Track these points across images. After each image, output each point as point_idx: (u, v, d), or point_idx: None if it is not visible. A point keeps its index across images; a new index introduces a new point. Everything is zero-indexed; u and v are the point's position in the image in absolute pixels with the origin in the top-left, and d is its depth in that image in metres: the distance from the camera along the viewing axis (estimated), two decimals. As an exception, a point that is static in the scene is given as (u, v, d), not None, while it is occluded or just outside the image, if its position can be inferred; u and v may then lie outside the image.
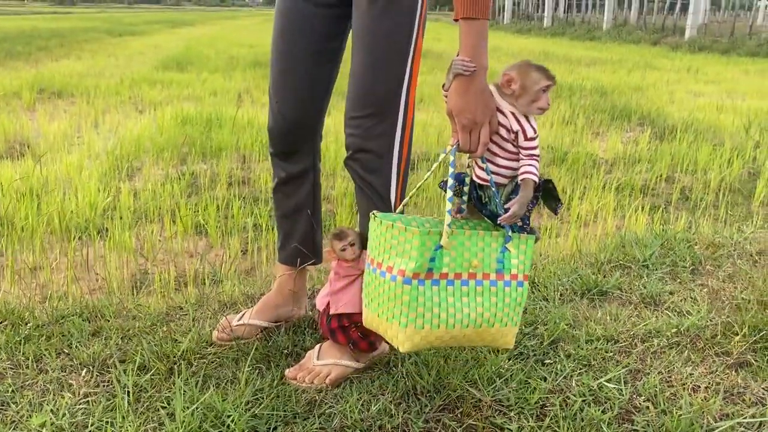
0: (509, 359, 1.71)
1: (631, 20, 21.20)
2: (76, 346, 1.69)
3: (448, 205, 1.39)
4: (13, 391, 1.50)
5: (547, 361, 1.71)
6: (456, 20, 1.37)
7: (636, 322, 1.94)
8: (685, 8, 18.19)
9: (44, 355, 1.65)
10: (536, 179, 1.41)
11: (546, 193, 1.47)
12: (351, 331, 1.60)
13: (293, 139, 1.74)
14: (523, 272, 1.45)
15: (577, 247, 2.54)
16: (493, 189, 1.42)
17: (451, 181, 1.44)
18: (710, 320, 1.95)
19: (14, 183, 3.20)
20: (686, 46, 15.05)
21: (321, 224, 1.91)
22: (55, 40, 13.69)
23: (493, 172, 1.43)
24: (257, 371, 1.61)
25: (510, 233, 1.43)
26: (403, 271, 1.36)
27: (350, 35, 1.65)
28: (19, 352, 1.66)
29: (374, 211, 1.46)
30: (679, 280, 2.27)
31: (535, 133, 1.42)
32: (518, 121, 1.42)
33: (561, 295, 2.11)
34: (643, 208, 3.14)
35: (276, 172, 1.81)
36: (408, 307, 1.36)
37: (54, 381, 1.54)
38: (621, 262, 2.39)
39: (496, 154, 1.44)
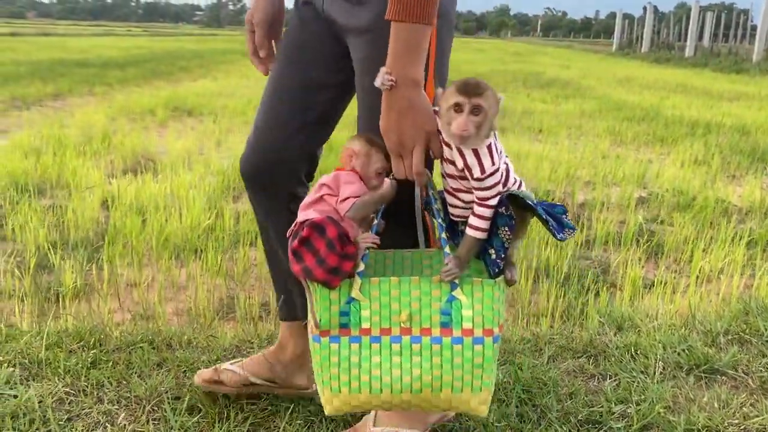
0: (589, 442, 1.50)
1: (787, 51, 19.52)
2: (137, 377, 1.68)
3: (362, 245, 1.20)
4: (67, 419, 1.51)
5: (634, 452, 1.48)
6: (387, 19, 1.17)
7: (749, 413, 1.65)
8: None
9: (105, 383, 1.65)
10: (480, 236, 1.19)
11: (523, 208, 1.19)
12: (320, 245, 1.18)
13: (268, 176, 1.47)
14: (483, 326, 1.18)
15: (692, 312, 2.25)
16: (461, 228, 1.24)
17: (376, 222, 1.25)
18: None
19: (126, 197, 3.35)
20: None
21: None
22: (196, 61, 14.66)
23: (460, 207, 1.23)
24: (309, 425, 1.52)
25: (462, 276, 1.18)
26: (312, 328, 1.21)
27: None
28: (84, 377, 1.67)
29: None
30: (811, 364, 1.93)
31: (483, 172, 1.16)
32: (462, 155, 1.17)
33: (663, 368, 1.85)
34: (778, 267, 2.76)
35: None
36: (321, 368, 1.21)
37: (106, 413, 1.53)
38: (741, 334, 2.07)
39: (459, 190, 1.22)
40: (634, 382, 1.76)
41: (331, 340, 1.19)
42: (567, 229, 1.19)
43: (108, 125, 5.76)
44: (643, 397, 1.67)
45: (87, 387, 1.63)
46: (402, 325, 1.18)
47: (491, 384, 1.22)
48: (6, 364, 1.69)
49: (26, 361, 1.72)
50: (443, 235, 1.22)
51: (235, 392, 1.59)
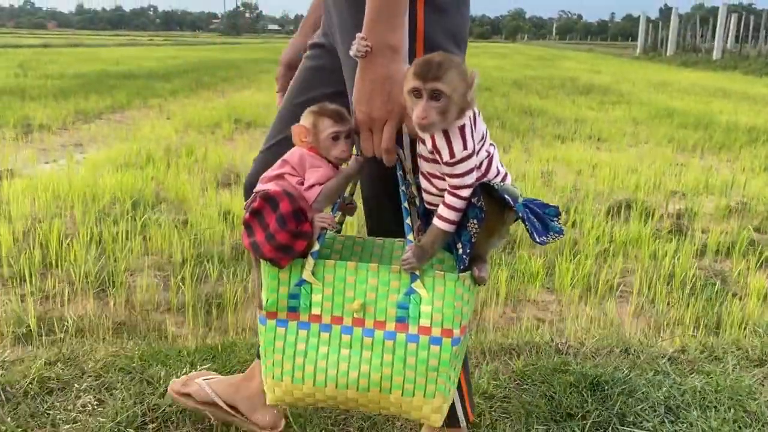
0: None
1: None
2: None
3: (318, 224, 1.11)
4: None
5: None
6: None
7: None
8: None
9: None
10: (447, 228, 1.07)
11: (501, 203, 1.08)
12: (270, 220, 1.10)
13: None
14: (441, 325, 1.07)
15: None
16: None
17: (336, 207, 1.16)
18: None
19: (240, 210, 3.47)
20: None
21: None
22: (233, 71, 14.84)
23: (434, 194, 1.12)
24: None
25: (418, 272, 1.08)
26: (260, 308, 1.13)
27: None
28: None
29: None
30: None
31: (452, 156, 1.04)
32: (432, 136, 1.06)
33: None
34: None
35: None
36: (265, 353, 1.12)
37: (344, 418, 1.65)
38: None
39: (433, 175, 1.11)
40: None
41: (277, 324, 1.11)
42: (552, 233, 1.10)
43: (181, 139, 5.90)
44: None
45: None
46: (355, 314, 1.09)
47: (447, 391, 1.10)
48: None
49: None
50: (407, 221, 1.13)
51: (199, 409, 1.56)
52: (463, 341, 1.12)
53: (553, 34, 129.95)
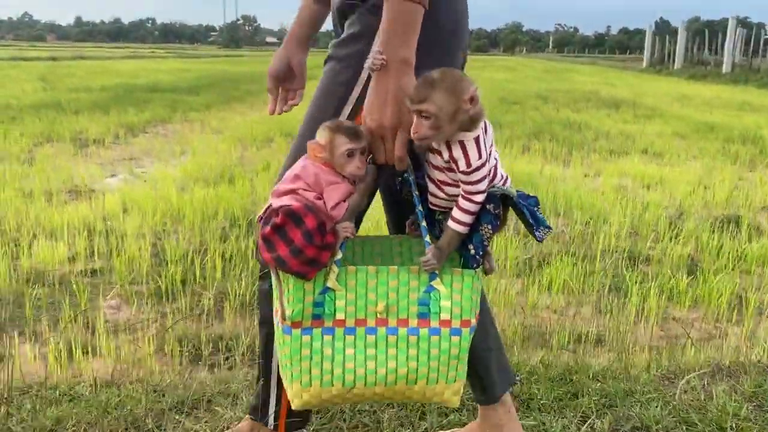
0: None
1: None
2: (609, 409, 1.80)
3: (342, 234, 1.15)
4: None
5: None
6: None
7: None
8: None
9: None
10: (462, 230, 1.15)
11: (514, 210, 1.18)
12: (294, 235, 1.12)
13: None
14: (461, 317, 1.15)
15: None
16: (440, 218, 1.21)
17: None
18: None
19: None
20: None
21: None
22: (255, 85, 14.82)
23: (443, 199, 1.19)
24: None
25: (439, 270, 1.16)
26: (281, 319, 1.17)
27: None
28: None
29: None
30: None
31: (469, 166, 1.12)
32: (449, 147, 1.13)
33: None
34: None
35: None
36: (290, 361, 1.15)
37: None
38: None
39: (444, 182, 1.18)
40: None
41: (303, 332, 1.15)
42: (542, 227, 1.18)
43: (241, 153, 5.88)
44: None
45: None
46: (378, 315, 1.15)
47: (464, 374, 1.19)
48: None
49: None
50: (423, 223, 1.20)
51: None
52: (475, 327, 1.20)
53: (550, 47, 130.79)
